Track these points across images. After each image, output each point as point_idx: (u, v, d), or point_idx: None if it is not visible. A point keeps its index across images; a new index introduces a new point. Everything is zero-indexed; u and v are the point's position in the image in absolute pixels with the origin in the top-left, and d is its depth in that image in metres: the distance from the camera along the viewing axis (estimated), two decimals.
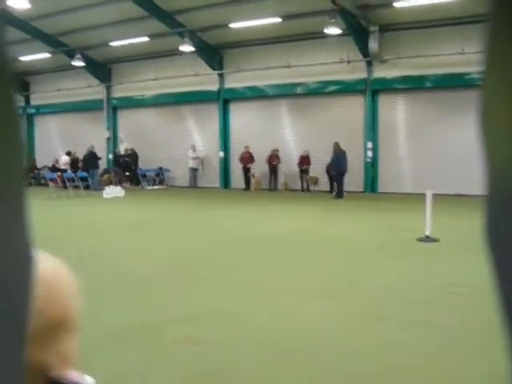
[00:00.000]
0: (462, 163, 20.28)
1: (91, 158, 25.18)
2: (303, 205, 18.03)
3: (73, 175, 22.91)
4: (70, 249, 9.99)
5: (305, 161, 23.48)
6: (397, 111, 22.73)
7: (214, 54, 25.37)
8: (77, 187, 22.73)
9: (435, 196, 19.70)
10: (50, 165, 29.36)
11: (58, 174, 24.40)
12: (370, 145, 22.69)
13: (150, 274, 7.85)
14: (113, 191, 21.70)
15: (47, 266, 1.02)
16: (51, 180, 22.32)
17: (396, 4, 19.03)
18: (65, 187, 22.53)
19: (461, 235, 10.53)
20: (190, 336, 5.19)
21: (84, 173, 23.46)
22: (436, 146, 21.39)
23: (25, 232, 0.40)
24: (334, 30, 20.47)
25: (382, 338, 5.08)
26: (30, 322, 0.41)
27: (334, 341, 5.03)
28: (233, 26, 22.17)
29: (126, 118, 29.49)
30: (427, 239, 10.77)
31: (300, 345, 4.94)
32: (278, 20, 21.33)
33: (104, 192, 21.57)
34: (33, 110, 32.57)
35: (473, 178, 19.36)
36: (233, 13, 21.43)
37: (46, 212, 15.24)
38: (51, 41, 25.95)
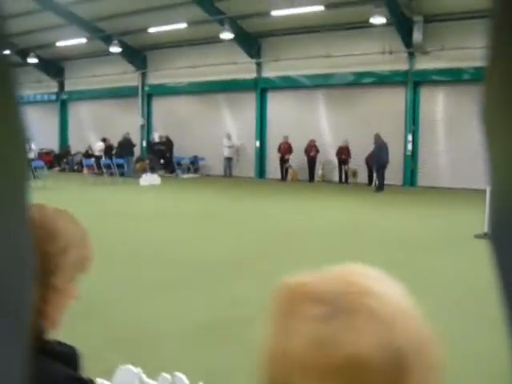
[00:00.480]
0: None
1: (126, 145, 25.07)
2: (346, 197, 17.71)
3: (109, 162, 22.80)
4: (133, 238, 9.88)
5: (344, 151, 23.11)
6: (438, 104, 22.27)
7: (252, 42, 25.04)
8: (112, 174, 22.63)
9: (477, 191, 19.34)
10: (84, 151, 29.30)
11: (93, 160, 24.36)
12: (410, 137, 22.26)
13: (226, 266, 7.66)
14: (150, 179, 21.58)
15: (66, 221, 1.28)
16: (88, 166, 22.23)
17: None
18: (100, 174, 22.46)
19: None
20: None
21: (121, 159, 23.33)
22: (476, 139, 20.89)
23: (26, 232, 0.40)
24: (378, 20, 20.04)
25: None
26: (30, 322, 0.42)
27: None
28: (274, 13, 21.79)
29: (160, 106, 29.31)
30: (486, 236, 10.44)
31: None
32: (321, 8, 20.92)
33: (141, 179, 21.45)
34: (66, 96, 32.54)
35: None
36: (274, 0, 21.08)
37: (91, 199, 15.15)
38: (88, 26, 25.81)
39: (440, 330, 0.69)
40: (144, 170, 24.60)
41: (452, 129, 21.75)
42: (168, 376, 2.66)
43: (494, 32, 0.36)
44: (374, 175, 21.26)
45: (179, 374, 2.66)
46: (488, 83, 0.39)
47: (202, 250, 8.73)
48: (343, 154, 23.09)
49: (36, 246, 1.24)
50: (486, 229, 10.50)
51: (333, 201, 16.53)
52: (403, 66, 22.24)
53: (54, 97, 32.57)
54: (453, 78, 21.39)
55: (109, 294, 6.34)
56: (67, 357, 1.33)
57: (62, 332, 1.31)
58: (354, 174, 23.00)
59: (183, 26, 23.86)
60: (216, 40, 24.62)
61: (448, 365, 0.67)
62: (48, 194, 16.19)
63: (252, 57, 25.30)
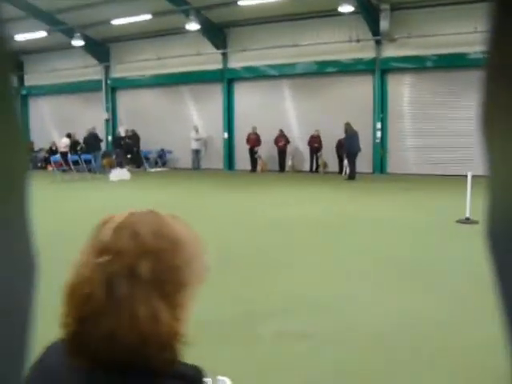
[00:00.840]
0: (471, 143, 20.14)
1: (93, 140, 24.53)
2: (320, 187, 17.67)
3: (77, 158, 22.29)
4: None
5: (315, 140, 23.11)
6: (405, 91, 22.42)
7: (218, 32, 24.77)
8: (79, 170, 22.14)
9: (445, 176, 19.60)
10: (48, 148, 28.59)
11: (59, 156, 23.77)
12: (378, 125, 22.39)
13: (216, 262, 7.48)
14: (119, 174, 21.19)
15: (185, 228, 1.17)
16: (55, 162, 21.69)
17: None
18: (64, 171, 21.94)
19: None
20: (292, 331, 4.86)
21: (88, 155, 22.83)
22: (445, 126, 21.15)
23: (27, 234, 0.40)
24: (346, 8, 20.03)
25: None
26: (32, 324, 0.41)
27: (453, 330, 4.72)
28: (241, 3, 21.55)
29: (125, 99, 28.79)
30: (467, 221, 10.51)
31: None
32: None
33: (111, 175, 21.07)
34: (26, 91, 31.67)
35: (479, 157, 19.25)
36: None
37: (67, 196, 14.77)
38: (48, 18, 25.09)
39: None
40: (111, 166, 24.16)
41: (418, 116, 21.95)
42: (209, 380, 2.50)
43: (495, 36, 0.36)
44: (345, 163, 21.31)
45: (222, 378, 2.51)
46: (487, 86, 0.37)
47: None
48: (315, 143, 23.09)
49: (161, 259, 1.08)
50: (467, 214, 10.59)
51: (311, 191, 16.47)
52: (370, 54, 22.31)
53: (15, 97, 31.53)
54: (420, 65, 21.57)
55: None
56: (194, 379, 1.19)
57: None
58: (325, 165, 23.00)
59: (148, 17, 23.41)
60: (181, 31, 24.28)
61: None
62: None
63: (218, 48, 25.03)
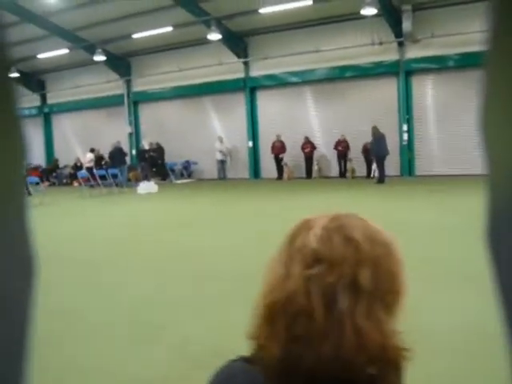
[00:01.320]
0: None
1: (118, 154, 24.58)
2: (351, 191, 17.48)
3: (104, 172, 22.33)
4: (150, 249, 9.57)
5: (342, 145, 22.95)
6: (429, 92, 22.19)
7: (239, 41, 24.75)
8: (108, 185, 22.18)
9: (473, 176, 19.31)
10: (73, 164, 28.73)
11: (84, 171, 23.86)
12: (405, 127, 22.16)
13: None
14: (147, 187, 21.19)
15: (375, 228, 1.05)
16: (82, 178, 21.74)
17: None
18: (91, 186, 21.98)
19: None
20: None
21: (114, 169, 22.87)
22: (470, 125, 20.85)
23: (26, 236, 0.40)
24: (369, 11, 19.88)
25: None
26: (31, 325, 0.42)
27: None
28: (262, 11, 21.49)
29: (147, 112, 28.87)
30: None
31: None
32: (309, 3, 20.68)
33: (139, 188, 21.09)
34: (49, 109, 31.91)
35: None
36: None
37: (97, 211, 14.75)
38: (69, 36, 25.27)
39: None
40: (137, 179, 24.20)
41: (443, 116, 21.71)
42: None
43: (493, 35, 0.36)
44: (373, 167, 21.08)
45: None
46: (487, 85, 0.37)
47: (220, 261, 8.43)
48: (342, 148, 22.93)
49: (379, 266, 0.93)
50: None
51: (344, 197, 16.28)
52: (394, 56, 22.13)
53: (35, 111, 31.84)
54: (445, 64, 21.34)
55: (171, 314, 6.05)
56: None
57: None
58: (353, 171, 22.81)
59: (169, 29, 23.45)
60: (201, 42, 24.33)
61: None
62: (49, 210, 15.81)
63: (239, 56, 25.01)
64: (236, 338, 4.75)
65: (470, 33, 20.15)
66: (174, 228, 11.65)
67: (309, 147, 23.71)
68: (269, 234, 10.16)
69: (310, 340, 0.93)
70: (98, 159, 26.21)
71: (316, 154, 24.03)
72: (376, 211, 12.24)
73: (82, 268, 8.09)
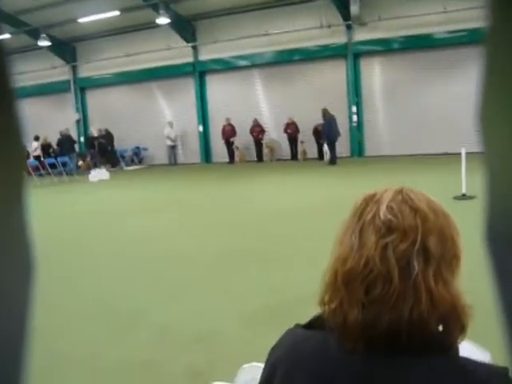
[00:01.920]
0: (447, 122, 20.51)
1: (67, 142, 24.12)
2: (307, 174, 17.71)
3: (54, 161, 21.89)
4: (118, 235, 9.54)
5: (291, 128, 23.13)
6: (380, 74, 22.59)
7: (187, 25, 24.54)
8: (59, 173, 21.76)
9: (422, 155, 19.84)
10: None
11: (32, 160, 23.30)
12: (354, 109, 22.53)
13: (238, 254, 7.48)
14: (98, 174, 20.93)
15: (433, 200, 1.15)
16: (32, 167, 21.27)
17: None
18: (41, 175, 21.50)
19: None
20: None
21: (65, 157, 22.45)
22: (422, 106, 21.39)
23: (24, 231, 0.40)
24: None
25: None
26: (30, 325, 0.41)
27: None
28: None
29: (95, 99, 28.32)
30: (464, 197, 10.68)
31: None
32: None
33: (90, 176, 20.80)
34: None
35: (459, 135, 19.63)
36: None
37: (50, 201, 14.49)
38: (12, 20, 24.44)
39: None
40: (88, 167, 23.86)
41: (390, 98, 22.18)
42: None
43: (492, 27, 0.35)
44: (325, 149, 21.35)
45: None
46: (486, 80, 0.37)
47: (208, 242, 8.50)
48: (292, 130, 23.11)
49: (443, 233, 1.06)
50: (464, 190, 10.76)
51: (297, 179, 16.50)
52: (342, 39, 22.40)
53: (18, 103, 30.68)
54: (392, 47, 21.76)
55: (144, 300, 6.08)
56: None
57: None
58: (304, 153, 23.05)
59: (116, 13, 23.03)
60: (149, 26, 24.00)
61: None
62: None
63: (188, 41, 24.80)
64: (215, 321, 4.85)
65: (415, 16, 20.64)
66: (132, 214, 11.61)
67: (257, 130, 23.76)
68: (231, 218, 10.32)
69: (388, 302, 1.04)
70: (46, 147, 25.60)
71: (266, 137, 24.13)
72: (333, 190, 12.51)
73: (48, 259, 8.01)
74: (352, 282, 1.08)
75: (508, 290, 0.38)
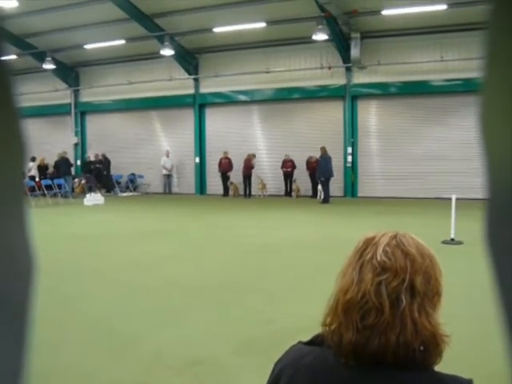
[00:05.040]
0: (440, 168, 20.92)
1: (64, 164, 24.32)
2: (302, 210, 17.93)
3: (51, 182, 22.06)
4: (107, 260, 9.67)
5: (288, 165, 23.43)
6: (376, 117, 23.04)
7: (190, 58, 25.05)
8: (54, 195, 21.91)
9: (413, 199, 20.10)
10: None
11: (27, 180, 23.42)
12: (349, 150, 22.91)
13: (214, 285, 7.65)
14: (93, 198, 21.10)
15: (422, 244, 1.36)
16: (28, 188, 21.38)
17: (384, 12, 19.28)
18: (35, 196, 21.60)
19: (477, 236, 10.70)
20: None
21: (61, 180, 22.63)
22: (416, 150, 21.82)
23: (25, 234, 0.40)
24: (320, 36, 20.58)
25: None
26: (30, 326, 0.41)
27: None
28: (216, 30, 21.90)
29: (94, 124, 28.65)
30: (452, 242, 10.92)
31: None
32: (263, 25, 21.24)
33: (85, 200, 20.97)
34: None
35: (451, 181, 20.00)
36: (215, 17, 21.20)
37: (46, 222, 14.62)
38: (19, 42, 24.86)
39: None
40: (83, 191, 24.04)
41: (385, 140, 22.60)
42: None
43: (490, 37, 0.37)
44: (319, 187, 21.63)
45: None
46: (486, 88, 0.38)
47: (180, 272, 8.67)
48: (288, 167, 23.40)
49: (428, 274, 1.33)
50: (452, 235, 11.00)
51: (292, 215, 16.72)
52: (341, 81, 22.91)
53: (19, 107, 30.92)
54: (390, 91, 22.33)
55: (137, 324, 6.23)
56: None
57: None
58: (298, 190, 23.31)
59: (121, 42, 23.51)
60: (153, 56, 24.47)
61: None
62: None
63: (190, 73, 25.27)
64: (209, 347, 5.03)
65: (413, 63, 21.26)
66: (128, 240, 11.78)
67: (250, 166, 23.78)
68: (225, 250, 10.49)
69: (379, 328, 1.27)
70: (43, 168, 25.78)
71: (259, 173, 24.17)
72: (326, 228, 12.74)
73: (44, 279, 8.14)
74: (350, 309, 1.32)
75: (508, 291, 0.39)
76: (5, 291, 0.37)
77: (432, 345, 1.28)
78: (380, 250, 1.33)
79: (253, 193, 24.02)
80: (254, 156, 23.97)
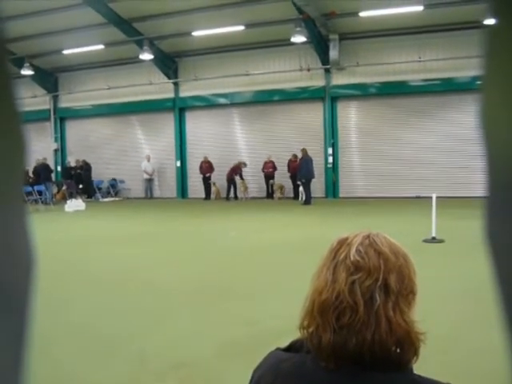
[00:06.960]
0: (419, 167, 21.11)
1: (44, 171, 24.13)
2: (283, 212, 17.93)
3: (31, 189, 21.89)
4: (92, 266, 9.63)
5: (269, 166, 23.48)
6: (356, 118, 23.19)
7: (169, 62, 25.02)
8: (35, 201, 21.75)
9: (392, 199, 20.25)
10: None
11: None
12: (330, 151, 23.02)
13: (194, 289, 7.66)
14: (74, 205, 20.96)
15: (395, 243, 1.39)
16: None
17: (362, 14, 19.42)
18: None
19: (463, 234, 10.83)
20: None
21: (41, 186, 22.46)
22: (396, 150, 22.00)
23: (25, 232, 0.40)
24: (299, 38, 20.66)
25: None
26: (30, 324, 0.41)
27: None
28: (195, 34, 21.91)
29: (74, 129, 28.48)
30: (434, 240, 11.02)
31: None
32: (241, 28, 21.28)
33: (66, 206, 20.82)
34: None
35: (431, 180, 20.20)
36: (194, 21, 21.21)
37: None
38: None
39: None
40: (64, 197, 23.87)
41: (364, 141, 22.76)
42: None
43: (490, 36, 0.37)
44: (300, 189, 21.69)
45: None
46: (486, 85, 0.38)
47: (161, 276, 8.67)
48: (270, 169, 23.44)
49: (401, 273, 1.35)
50: (433, 234, 11.10)
51: (274, 217, 16.74)
52: (320, 82, 23.02)
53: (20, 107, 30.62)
54: (368, 92, 22.50)
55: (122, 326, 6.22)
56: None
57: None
58: (281, 188, 23.40)
59: (100, 47, 23.40)
60: (132, 61, 24.39)
61: None
62: None
63: (169, 77, 25.24)
64: (192, 350, 5.03)
65: (391, 63, 21.44)
66: (110, 244, 11.73)
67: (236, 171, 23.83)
68: (207, 253, 10.50)
69: (354, 327, 1.29)
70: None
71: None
72: (307, 229, 12.77)
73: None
74: (326, 310, 1.33)
75: (508, 289, 0.39)
76: (5, 288, 0.37)
77: (407, 342, 1.30)
78: (353, 250, 1.35)
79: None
80: (244, 165, 23.90)
